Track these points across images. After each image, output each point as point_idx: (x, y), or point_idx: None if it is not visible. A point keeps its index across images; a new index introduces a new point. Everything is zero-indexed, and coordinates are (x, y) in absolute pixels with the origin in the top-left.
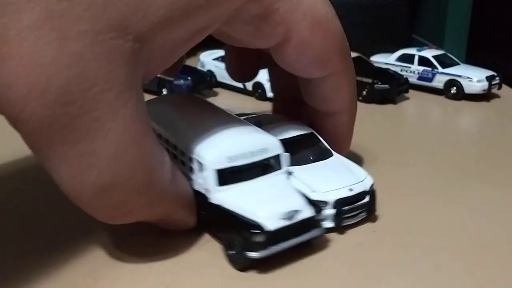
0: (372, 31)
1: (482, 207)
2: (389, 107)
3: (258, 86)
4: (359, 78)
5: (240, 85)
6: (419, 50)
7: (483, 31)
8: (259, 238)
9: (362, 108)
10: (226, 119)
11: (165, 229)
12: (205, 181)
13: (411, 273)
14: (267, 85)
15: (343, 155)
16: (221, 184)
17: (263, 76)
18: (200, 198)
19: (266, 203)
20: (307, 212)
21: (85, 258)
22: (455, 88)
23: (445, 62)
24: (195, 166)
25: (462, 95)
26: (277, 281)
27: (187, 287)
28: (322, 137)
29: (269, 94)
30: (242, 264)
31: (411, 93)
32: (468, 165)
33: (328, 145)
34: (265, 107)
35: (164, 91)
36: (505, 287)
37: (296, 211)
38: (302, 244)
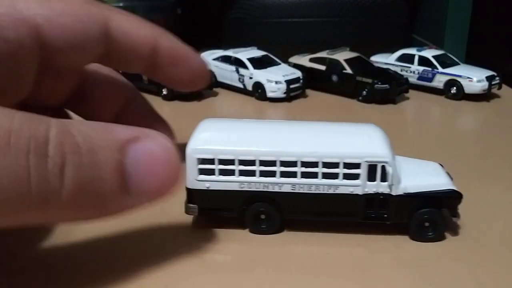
0: (372, 31)
1: (482, 207)
2: (389, 107)
3: (258, 86)
4: (359, 78)
5: (240, 85)
6: (419, 50)
7: (483, 31)
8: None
9: (362, 108)
10: (299, 123)
11: (166, 230)
12: (391, 178)
13: (411, 273)
14: (267, 85)
15: None
16: None
17: (263, 76)
18: (375, 200)
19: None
20: None
21: (85, 259)
22: (455, 88)
23: (445, 62)
24: (363, 170)
25: (462, 95)
26: (278, 281)
27: (187, 287)
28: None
29: (269, 94)
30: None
31: (411, 93)
32: (468, 165)
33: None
34: (265, 107)
35: (164, 91)
36: (505, 287)
37: None
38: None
